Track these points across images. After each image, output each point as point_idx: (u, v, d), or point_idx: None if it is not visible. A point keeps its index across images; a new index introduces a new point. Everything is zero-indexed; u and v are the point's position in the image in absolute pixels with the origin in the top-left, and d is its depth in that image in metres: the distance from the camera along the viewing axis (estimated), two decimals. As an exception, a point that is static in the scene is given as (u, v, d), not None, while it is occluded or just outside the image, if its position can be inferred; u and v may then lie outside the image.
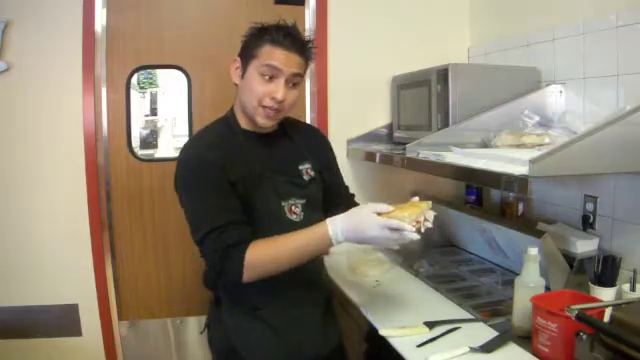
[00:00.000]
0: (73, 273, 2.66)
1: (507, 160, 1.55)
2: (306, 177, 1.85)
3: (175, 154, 2.98)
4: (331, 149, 2.03)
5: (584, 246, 1.95)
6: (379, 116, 2.83)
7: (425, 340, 1.69)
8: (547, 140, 1.83)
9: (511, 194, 2.50)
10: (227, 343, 1.78)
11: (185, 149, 1.75)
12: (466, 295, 2.08)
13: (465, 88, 2.18)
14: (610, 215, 1.98)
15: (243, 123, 1.79)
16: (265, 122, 1.72)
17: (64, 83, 2.57)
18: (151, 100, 4.71)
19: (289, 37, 1.69)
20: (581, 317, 1.27)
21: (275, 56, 1.67)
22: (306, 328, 1.81)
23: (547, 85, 2.20)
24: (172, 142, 4.33)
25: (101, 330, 2.73)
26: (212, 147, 1.70)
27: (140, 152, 3.26)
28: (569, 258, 1.91)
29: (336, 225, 1.57)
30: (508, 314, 1.77)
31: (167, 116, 4.62)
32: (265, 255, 1.61)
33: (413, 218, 1.53)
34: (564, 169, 1.45)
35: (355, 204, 1.83)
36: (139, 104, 4.51)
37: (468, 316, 1.85)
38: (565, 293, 1.70)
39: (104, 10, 2.62)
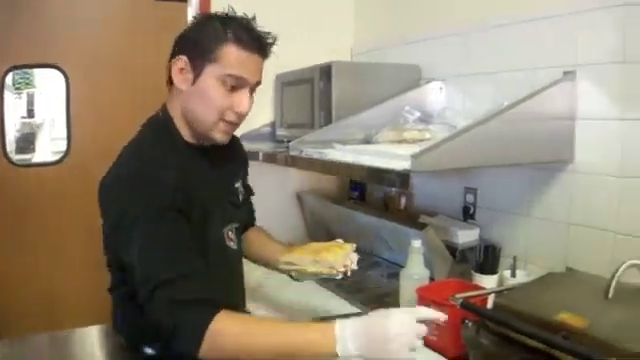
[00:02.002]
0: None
1: (389, 156, 1.57)
2: (240, 197, 1.68)
3: (54, 158, 2.84)
4: (247, 160, 1.86)
5: (465, 236, 2.02)
6: (262, 114, 2.79)
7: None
8: (428, 135, 1.87)
9: (393, 189, 2.55)
10: None
11: (126, 164, 1.38)
12: (354, 289, 2.09)
13: (347, 85, 2.20)
14: (489, 206, 2.06)
15: (185, 135, 1.49)
16: (223, 139, 1.47)
17: None
18: (28, 101, 4.50)
19: (254, 36, 1.43)
20: (465, 305, 1.30)
21: (241, 63, 1.40)
22: None
23: (427, 82, 2.26)
24: (50, 145, 4.11)
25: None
26: (167, 166, 1.37)
27: (16, 157, 3.06)
28: (451, 248, 1.97)
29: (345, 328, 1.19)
30: (395, 305, 1.81)
31: (45, 118, 4.41)
32: (239, 331, 1.21)
33: (341, 262, 1.54)
34: (444, 163, 1.49)
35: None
36: (14, 106, 4.27)
37: (356, 310, 1.88)
38: (449, 283, 1.76)
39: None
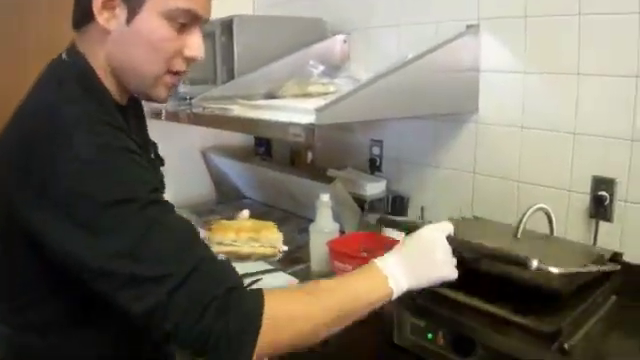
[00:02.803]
0: None
1: (293, 110, 1.55)
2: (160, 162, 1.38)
3: None
4: None
5: (373, 189, 2.04)
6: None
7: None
8: (332, 89, 1.86)
9: (299, 143, 2.53)
10: None
11: (67, 133, 0.91)
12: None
13: (251, 40, 2.14)
14: (396, 157, 2.09)
15: (113, 92, 1.09)
16: (166, 96, 1.12)
17: None
18: None
19: None
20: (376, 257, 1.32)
21: None
22: None
23: (332, 35, 2.24)
24: None
25: None
26: (117, 128, 0.99)
27: None
28: (360, 201, 1.99)
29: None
30: (307, 260, 1.82)
31: None
32: (293, 308, 0.98)
33: (281, 240, 1.39)
34: (349, 116, 1.48)
35: None
36: None
37: (268, 267, 1.87)
38: (359, 235, 1.78)
39: None
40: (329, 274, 1.68)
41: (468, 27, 1.73)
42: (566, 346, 1.01)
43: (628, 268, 1.32)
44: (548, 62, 1.59)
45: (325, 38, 2.26)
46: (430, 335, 1.25)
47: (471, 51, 1.72)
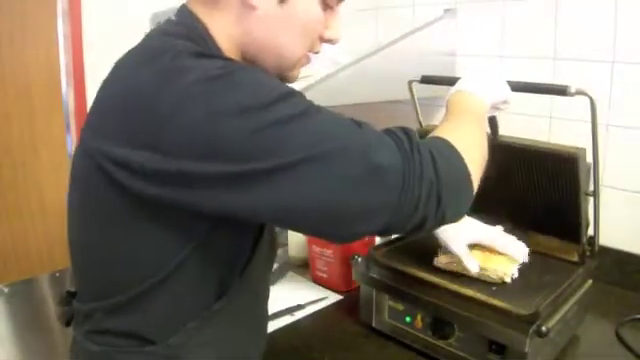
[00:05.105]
0: None
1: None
2: None
3: None
4: None
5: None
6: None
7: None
8: (309, 73, 1.85)
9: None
10: None
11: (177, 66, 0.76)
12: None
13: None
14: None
15: None
16: (297, 77, 1.04)
17: None
18: None
19: None
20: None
21: None
22: None
23: (309, 19, 2.22)
24: None
25: None
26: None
27: None
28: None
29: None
30: (284, 245, 1.81)
31: None
32: (458, 135, 0.94)
33: (509, 273, 1.24)
34: (326, 100, 1.46)
35: None
36: None
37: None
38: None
39: None
40: (306, 259, 1.68)
41: (445, 11, 1.72)
42: (544, 328, 1.02)
43: (604, 252, 1.34)
44: (524, 46, 1.59)
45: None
46: (408, 318, 1.26)
47: (448, 35, 1.72)
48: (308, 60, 1.01)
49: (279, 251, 1.84)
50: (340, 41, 1.01)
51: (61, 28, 2.57)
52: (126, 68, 0.85)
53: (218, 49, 0.89)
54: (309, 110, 0.78)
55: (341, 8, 1.04)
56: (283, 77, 0.99)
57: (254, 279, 0.97)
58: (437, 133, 0.94)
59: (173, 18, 0.94)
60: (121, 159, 0.76)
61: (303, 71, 1.83)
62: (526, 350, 1.03)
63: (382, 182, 0.77)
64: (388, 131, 0.84)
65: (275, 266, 1.74)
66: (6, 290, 1.84)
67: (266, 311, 1.12)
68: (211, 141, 0.72)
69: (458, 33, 1.73)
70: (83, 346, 0.91)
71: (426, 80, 1.32)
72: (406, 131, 0.85)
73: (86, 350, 0.90)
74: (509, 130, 1.31)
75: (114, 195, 0.79)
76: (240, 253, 0.91)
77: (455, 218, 0.89)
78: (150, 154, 0.74)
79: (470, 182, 0.87)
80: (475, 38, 1.70)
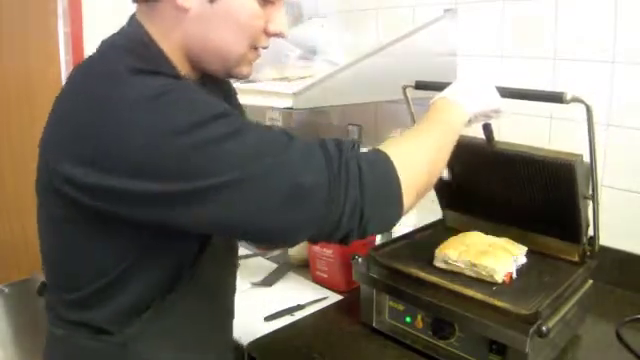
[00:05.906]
0: None
1: (271, 94, 1.54)
2: None
3: None
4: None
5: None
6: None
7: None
8: (309, 73, 1.85)
9: (277, 127, 2.52)
10: None
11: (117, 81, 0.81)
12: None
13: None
14: (374, 143, 2.08)
15: (184, 69, 0.95)
16: (250, 72, 1.01)
17: None
18: None
19: None
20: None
21: None
22: None
23: (309, 19, 2.22)
24: None
25: None
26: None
27: None
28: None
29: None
30: (285, 246, 1.81)
31: None
32: (407, 148, 0.98)
33: (503, 270, 1.22)
34: (326, 100, 1.48)
35: None
36: None
37: (246, 252, 1.86)
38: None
39: None
40: (307, 259, 1.68)
41: (446, 11, 1.72)
42: (544, 329, 1.02)
43: (604, 252, 1.34)
44: (524, 47, 1.59)
45: (301, 21, 2.24)
46: (409, 319, 1.25)
47: (449, 35, 1.72)
48: (256, 55, 1.00)
49: (279, 251, 1.84)
50: (287, 35, 1.00)
51: (61, 28, 2.58)
52: (73, 83, 0.90)
53: (163, 56, 0.92)
54: (242, 129, 0.82)
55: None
56: (232, 74, 1.01)
57: (206, 278, 1.01)
58: (390, 143, 0.99)
59: (125, 27, 0.97)
60: (67, 173, 0.81)
61: (303, 71, 1.84)
62: (526, 350, 1.03)
63: (306, 200, 0.82)
64: (322, 144, 0.87)
65: (275, 266, 1.75)
66: (6, 290, 1.85)
67: (229, 308, 1.16)
68: (145, 160, 0.77)
69: (458, 33, 1.73)
70: (50, 329, 1.00)
71: (420, 86, 1.33)
72: (339, 146, 0.88)
73: (52, 333, 0.99)
74: (510, 130, 1.31)
75: (64, 204, 0.85)
76: (186, 254, 0.96)
77: (380, 231, 0.95)
78: (89, 170, 0.79)
79: (399, 197, 0.89)
80: (475, 38, 1.70)
